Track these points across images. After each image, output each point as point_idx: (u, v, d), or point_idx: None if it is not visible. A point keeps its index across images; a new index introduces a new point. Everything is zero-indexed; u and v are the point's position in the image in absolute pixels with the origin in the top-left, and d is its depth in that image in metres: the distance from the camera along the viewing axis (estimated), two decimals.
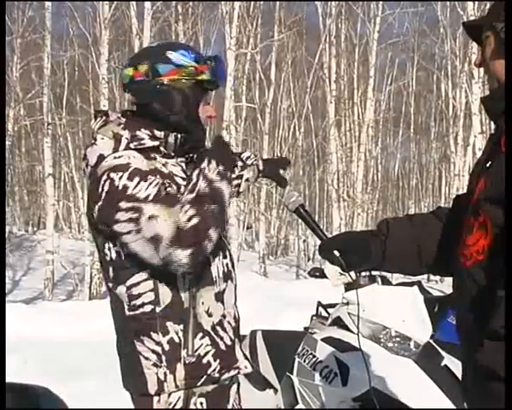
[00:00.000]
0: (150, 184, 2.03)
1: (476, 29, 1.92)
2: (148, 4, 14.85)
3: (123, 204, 2.01)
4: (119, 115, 2.23)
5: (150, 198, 2.00)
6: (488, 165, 1.81)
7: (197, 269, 2.07)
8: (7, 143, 16.73)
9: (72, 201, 21.26)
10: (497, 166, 1.76)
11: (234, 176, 2.56)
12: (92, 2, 16.77)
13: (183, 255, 1.96)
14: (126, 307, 2.15)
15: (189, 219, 1.97)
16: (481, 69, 1.93)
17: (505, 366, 1.55)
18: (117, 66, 18.62)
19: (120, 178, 2.03)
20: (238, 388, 2.34)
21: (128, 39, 17.75)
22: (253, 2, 18.96)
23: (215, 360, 2.17)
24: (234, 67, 15.80)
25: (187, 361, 2.13)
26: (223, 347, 2.20)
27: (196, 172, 2.08)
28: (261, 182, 19.66)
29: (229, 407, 2.26)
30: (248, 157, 2.55)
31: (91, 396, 5.44)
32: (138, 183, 2.02)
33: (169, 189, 2.08)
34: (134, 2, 15.12)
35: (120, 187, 2.02)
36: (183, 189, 2.12)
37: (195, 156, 2.27)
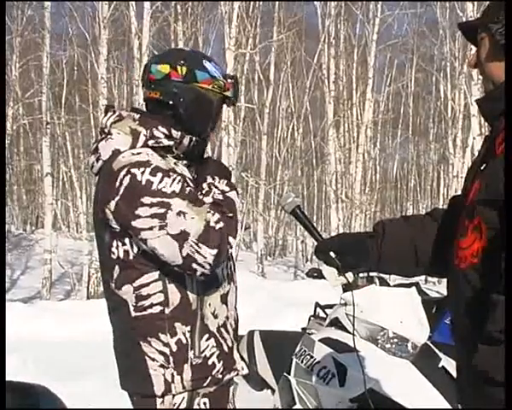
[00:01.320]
0: (174, 180, 2.05)
1: (472, 30, 1.91)
2: (147, 4, 14.86)
3: (146, 199, 2.01)
4: (130, 112, 2.23)
5: (177, 193, 2.03)
6: (483, 167, 1.81)
7: (213, 272, 2.09)
8: (6, 141, 16.71)
9: (71, 200, 21.26)
10: (491, 168, 1.75)
11: None
12: (91, 2, 16.79)
13: (209, 254, 2.00)
14: (132, 307, 2.13)
15: (217, 222, 2.03)
16: (479, 70, 1.93)
17: (505, 369, 1.55)
18: (116, 65, 18.64)
19: (143, 173, 2.03)
20: (234, 388, 2.36)
21: (127, 39, 17.75)
22: (252, 3, 18.97)
23: (219, 362, 2.18)
24: (233, 68, 15.80)
25: (194, 362, 2.13)
26: (225, 348, 2.21)
27: (206, 183, 2.16)
28: (259, 183, 19.68)
29: (229, 407, 2.28)
30: None
31: (90, 396, 5.45)
32: (162, 178, 2.04)
33: (189, 188, 2.11)
34: (133, 2, 15.12)
35: (144, 182, 2.02)
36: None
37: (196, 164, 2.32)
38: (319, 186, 25.11)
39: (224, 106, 2.34)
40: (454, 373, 3.13)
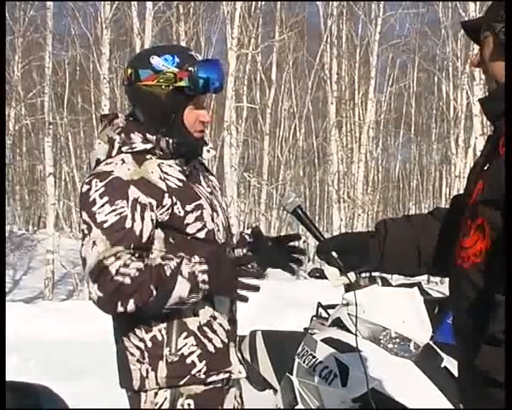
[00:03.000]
0: (113, 211, 2.04)
1: (475, 29, 1.90)
2: (149, 4, 14.87)
3: (84, 215, 2.08)
4: (123, 119, 2.24)
5: (104, 226, 2.03)
6: (486, 167, 1.80)
7: (106, 311, 2.07)
8: (8, 142, 16.76)
9: (73, 200, 21.24)
10: (494, 168, 1.75)
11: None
12: (93, 2, 16.86)
13: (94, 292, 2.00)
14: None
15: (121, 274, 1.99)
16: (482, 70, 1.92)
17: (505, 369, 1.55)
18: (118, 65, 18.64)
19: (96, 190, 2.06)
20: (240, 393, 2.31)
21: (129, 39, 17.76)
22: (254, 3, 18.97)
23: (200, 361, 2.14)
24: (235, 68, 15.80)
25: (169, 360, 2.12)
26: (211, 348, 2.16)
27: (181, 258, 2.05)
28: (261, 183, 19.67)
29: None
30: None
31: (91, 396, 5.45)
32: (104, 204, 2.05)
33: (136, 226, 2.05)
34: (135, 3, 15.14)
35: (90, 198, 2.06)
36: (170, 198, 2.11)
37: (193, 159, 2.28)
38: (321, 186, 25.08)
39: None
40: (456, 373, 3.12)
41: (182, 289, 2.01)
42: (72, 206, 21.37)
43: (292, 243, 2.24)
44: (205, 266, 2.03)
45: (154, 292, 1.99)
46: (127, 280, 1.98)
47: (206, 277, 2.02)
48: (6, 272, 14.47)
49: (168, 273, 2.01)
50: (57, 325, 8.71)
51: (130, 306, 1.99)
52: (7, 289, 14.88)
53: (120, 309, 2.00)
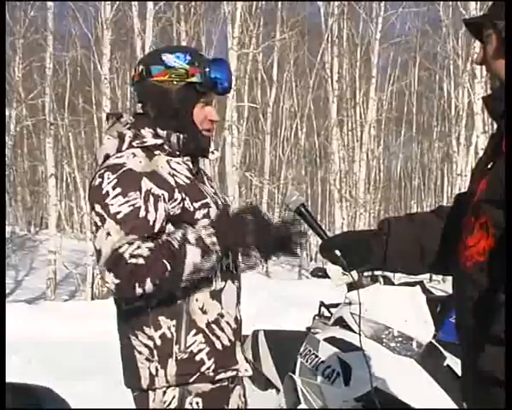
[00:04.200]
0: (127, 202, 2.07)
1: (478, 26, 1.89)
2: (150, 4, 14.86)
3: (97, 206, 2.10)
4: (131, 117, 2.27)
5: (117, 217, 2.06)
6: (489, 166, 1.79)
7: (126, 300, 2.12)
8: (9, 143, 16.76)
9: (75, 201, 21.28)
10: (498, 166, 1.74)
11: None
12: (94, 3, 16.79)
13: (110, 280, 2.02)
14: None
15: (135, 256, 2.01)
16: (484, 68, 1.91)
17: (506, 369, 1.55)
18: (119, 66, 18.65)
19: (109, 182, 2.09)
20: (244, 392, 2.31)
21: (130, 39, 17.75)
22: (255, 3, 18.96)
23: (209, 359, 2.15)
24: (236, 67, 15.79)
25: (179, 357, 2.13)
26: (219, 346, 2.18)
27: (185, 228, 2.08)
28: (263, 182, 19.66)
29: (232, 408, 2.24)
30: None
31: (93, 396, 5.44)
32: (116, 195, 2.07)
33: (149, 216, 2.07)
34: (136, 3, 15.13)
35: (103, 191, 2.09)
36: (178, 195, 2.12)
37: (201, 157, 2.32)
38: (323, 185, 25.10)
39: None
40: (459, 372, 3.10)
41: (193, 255, 2.04)
42: (73, 207, 21.40)
43: (292, 229, 2.19)
44: (211, 230, 2.06)
45: (168, 266, 2.01)
46: (140, 261, 2.01)
47: (214, 239, 2.05)
48: (8, 273, 14.50)
49: (176, 245, 2.03)
50: (59, 326, 8.71)
51: (148, 285, 2.01)
52: (9, 290, 14.89)
53: (139, 291, 2.01)
